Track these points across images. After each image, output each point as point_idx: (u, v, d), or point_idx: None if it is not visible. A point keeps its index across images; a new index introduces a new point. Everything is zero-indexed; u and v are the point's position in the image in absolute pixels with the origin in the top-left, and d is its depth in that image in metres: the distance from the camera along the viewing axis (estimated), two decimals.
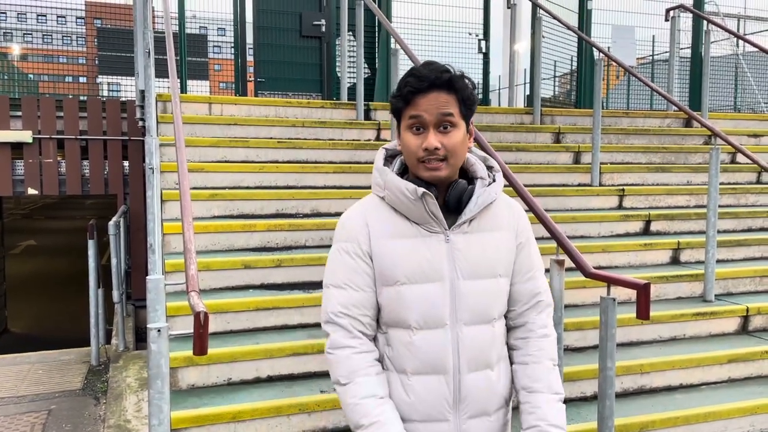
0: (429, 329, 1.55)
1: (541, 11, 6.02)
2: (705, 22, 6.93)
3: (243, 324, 3.49)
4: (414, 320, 1.54)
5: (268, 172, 4.58)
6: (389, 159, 1.66)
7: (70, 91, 8.90)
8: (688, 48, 8.14)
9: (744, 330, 4.10)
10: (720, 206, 4.55)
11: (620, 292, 3.62)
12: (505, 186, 1.84)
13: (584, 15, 7.48)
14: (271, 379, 3.26)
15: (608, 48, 7.24)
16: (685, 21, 7.77)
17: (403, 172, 1.61)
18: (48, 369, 5.02)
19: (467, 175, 1.63)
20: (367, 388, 1.52)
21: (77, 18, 10.40)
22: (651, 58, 11.81)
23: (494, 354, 1.61)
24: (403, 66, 4.66)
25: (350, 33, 6.46)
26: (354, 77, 5.90)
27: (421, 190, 1.51)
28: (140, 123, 5.27)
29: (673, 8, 6.71)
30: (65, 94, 8.55)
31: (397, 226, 1.56)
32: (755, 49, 7.54)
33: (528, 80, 9.38)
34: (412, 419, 1.56)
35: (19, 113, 6.47)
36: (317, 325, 3.52)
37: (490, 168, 1.65)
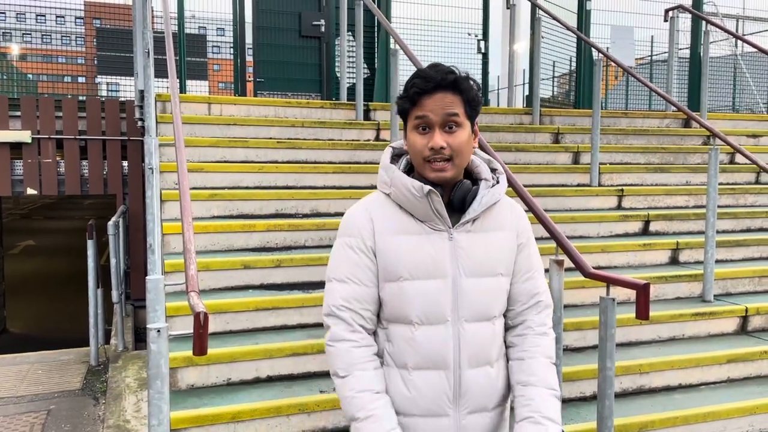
0: (430, 325, 1.57)
1: (540, 12, 6.02)
2: (704, 23, 6.94)
3: (242, 324, 3.49)
4: (416, 316, 1.57)
5: (267, 172, 4.58)
6: (395, 158, 1.69)
7: (69, 91, 8.89)
8: (686, 48, 8.15)
9: (743, 330, 4.10)
10: (719, 206, 4.55)
11: (619, 292, 3.63)
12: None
13: (583, 15, 7.49)
14: (270, 380, 3.26)
15: (607, 48, 7.25)
16: (684, 21, 7.79)
17: (409, 171, 1.64)
18: (47, 369, 5.02)
19: (471, 176, 1.66)
20: (364, 382, 1.54)
21: (76, 18, 10.39)
22: (650, 58, 11.81)
23: (494, 351, 1.64)
24: (402, 66, 4.66)
25: (350, 33, 6.47)
26: (353, 77, 5.90)
27: (427, 187, 1.54)
28: (139, 123, 5.27)
29: (672, 9, 6.72)
30: (64, 94, 8.55)
31: (401, 223, 1.59)
32: (754, 50, 7.54)
33: (527, 80, 9.39)
34: (413, 414, 1.58)
35: (18, 113, 6.47)
36: (317, 326, 3.53)
37: (493, 170, 1.68)
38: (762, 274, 4.51)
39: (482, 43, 7.65)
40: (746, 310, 4.09)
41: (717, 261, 4.35)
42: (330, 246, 1.66)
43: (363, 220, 1.61)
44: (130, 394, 4.25)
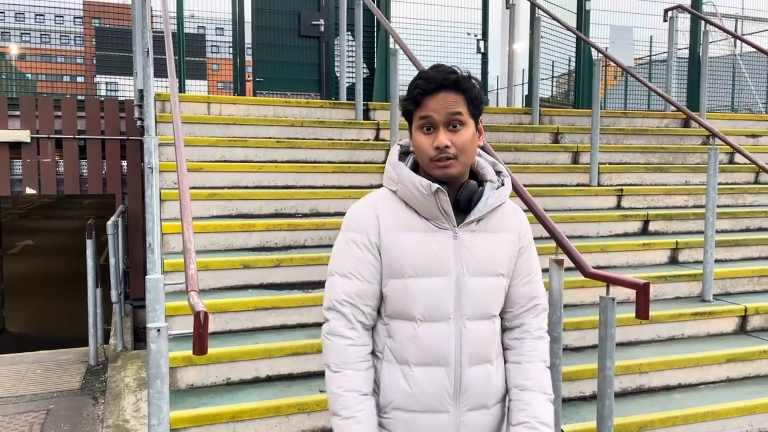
0: (433, 322, 1.59)
1: (540, 11, 6.02)
2: (703, 23, 6.94)
3: (242, 324, 3.49)
4: (419, 313, 1.59)
5: (267, 171, 4.58)
6: (403, 155, 1.71)
7: (68, 90, 8.87)
8: (685, 48, 8.15)
9: (742, 330, 4.11)
10: (718, 206, 4.56)
11: (619, 292, 3.63)
12: None
13: (582, 15, 7.49)
14: (270, 379, 3.25)
15: (606, 48, 7.25)
16: (683, 21, 7.79)
17: (415, 170, 1.66)
18: (46, 369, 5.02)
19: (477, 177, 1.69)
20: (353, 382, 1.57)
21: (75, 18, 10.38)
22: (649, 58, 11.82)
23: (494, 349, 1.67)
24: (402, 66, 4.66)
25: (349, 33, 6.47)
26: (353, 77, 5.91)
27: (435, 186, 1.55)
28: (138, 122, 5.26)
29: (672, 9, 6.72)
30: (63, 93, 8.54)
31: (407, 220, 1.61)
32: (753, 50, 7.55)
33: (526, 80, 9.40)
34: (413, 410, 1.60)
35: (17, 113, 6.46)
36: (316, 325, 3.52)
37: (498, 173, 1.71)
38: (761, 274, 4.51)
39: (482, 43, 7.66)
40: (745, 310, 4.09)
41: (716, 261, 4.36)
42: (330, 246, 1.67)
43: (369, 216, 1.62)
44: (130, 394, 4.25)
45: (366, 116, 5.61)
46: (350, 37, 6.57)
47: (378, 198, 1.66)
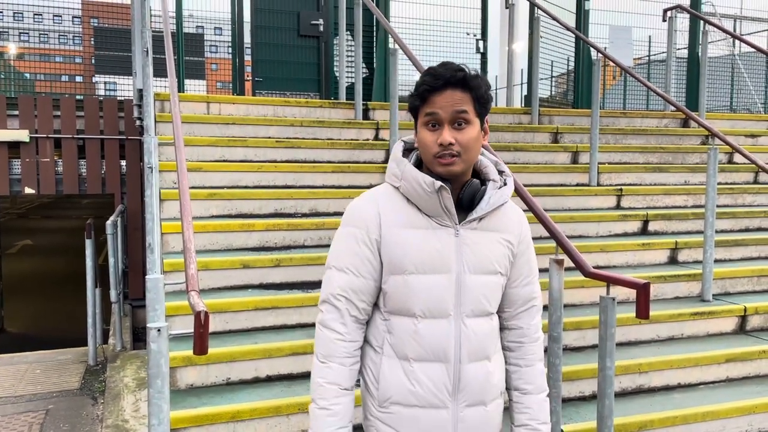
0: (433, 318, 1.61)
1: (539, 11, 6.02)
2: (702, 23, 6.95)
3: (242, 324, 3.49)
4: (419, 309, 1.60)
5: (266, 171, 4.58)
6: (406, 152, 1.71)
7: (66, 90, 8.86)
8: (685, 48, 8.16)
9: (742, 330, 4.11)
10: (717, 206, 4.56)
11: (618, 292, 3.63)
12: None
13: (582, 15, 7.49)
14: (270, 379, 3.25)
15: (605, 48, 7.24)
16: (683, 21, 7.80)
17: (418, 166, 1.66)
18: (45, 369, 5.01)
19: (479, 176, 1.69)
20: (335, 376, 1.60)
21: (73, 17, 10.37)
22: (648, 58, 11.82)
23: (492, 346, 1.68)
24: (401, 66, 4.66)
25: (348, 32, 6.46)
26: (352, 77, 5.91)
27: (439, 183, 1.56)
28: (137, 122, 5.26)
29: (671, 9, 6.73)
30: (62, 93, 8.53)
31: (409, 216, 1.62)
32: (752, 50, 7.56)
33: (526, 80, 9.40)
34: (413, 405, 1.61)
35: (16, 112, 6.45)
36: None
37: (501, 172, 1.71)
38: (760, 274, 4.51)
39: (481, 43, 7.66)
40: (745, 310, 4.10)
41: (716, 260, 4.37)
42: (329, 245, 1.66)
43: (371, 211, 1.62)
44: (129, 394, 4.24)
45: (365, 116, 5.61)
46: (349, 37, 6.57)
47: (380, 193, 1.66)
